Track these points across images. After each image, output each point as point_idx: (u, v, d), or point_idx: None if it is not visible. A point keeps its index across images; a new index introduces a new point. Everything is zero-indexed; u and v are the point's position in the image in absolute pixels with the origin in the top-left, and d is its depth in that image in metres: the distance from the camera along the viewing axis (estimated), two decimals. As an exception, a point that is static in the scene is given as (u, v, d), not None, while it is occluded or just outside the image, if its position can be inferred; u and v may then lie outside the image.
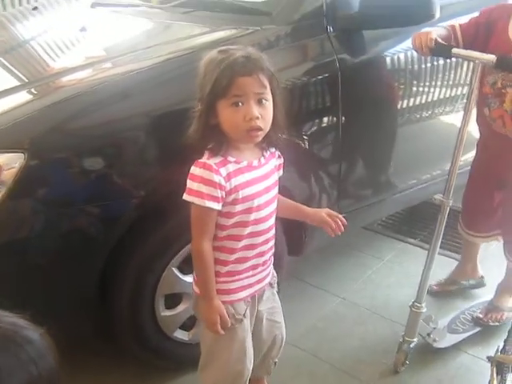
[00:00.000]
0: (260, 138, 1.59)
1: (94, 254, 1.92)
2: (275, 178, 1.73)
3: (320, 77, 2.27)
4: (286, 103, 2.12)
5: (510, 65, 2.02)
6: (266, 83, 1.54)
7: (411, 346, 2.32)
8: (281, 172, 1.79)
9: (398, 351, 2.34)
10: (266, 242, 1.74)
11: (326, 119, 2.35)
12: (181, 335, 2.21)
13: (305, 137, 2.27)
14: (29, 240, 1.84)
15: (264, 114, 1.55)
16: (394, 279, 2.91)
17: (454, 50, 2.10)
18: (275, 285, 1.93)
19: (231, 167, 1.58)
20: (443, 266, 2.89)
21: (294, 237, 2.40)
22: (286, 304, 2.60)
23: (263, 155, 1.67)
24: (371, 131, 2.54)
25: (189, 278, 2.09)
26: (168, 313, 2.12)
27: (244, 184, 1.61)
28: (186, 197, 1.57)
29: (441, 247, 2.32)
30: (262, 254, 1.75)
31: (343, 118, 2.34)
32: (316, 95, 2.29)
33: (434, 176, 2.90)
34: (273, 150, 1.71)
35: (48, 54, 2.59)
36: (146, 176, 1.96)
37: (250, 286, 1.77)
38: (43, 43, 2.71)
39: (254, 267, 1.75)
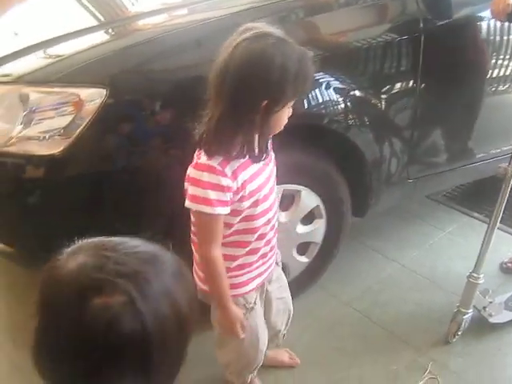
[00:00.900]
0: None
1: (162, 193, 1.95)
2: (272, 160, 1.65)
3: (402, 38, 2.21)
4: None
5: None
6: None
7: (465, 317, 2.30)
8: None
9: (452, 321, 2.32)
10: (273, 228, 1.69)
11: (403, 82, 2.29)
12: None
13: (381, 97, 2.24)
14: (101, 174, 1.89)
15: None
16: (455, 251, 2.87)
17: None
18: (280, 262, 1.92)
19: (235, 163, 1.47)
20: (508, 244, 2.84)
21: (359, 198, 2.39)
22: (344, 265, 2.65)
23: None
24: (449, 99, 2.47)
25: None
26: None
27: (249, 179, 1.52)
28: (191, 205, 1.46)
29: (506, 224, 2.26)
30: (269, 242, 1.71)
31: (421, 83, 2.28)
32: (396, 56, 2.23)
33: (507, 151, 2.81)
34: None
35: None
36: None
37: (260, 275, 1.75)
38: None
39: (264, 256, 1.72)
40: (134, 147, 1.89)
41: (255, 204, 1.56)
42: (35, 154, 1.82)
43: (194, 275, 1.71)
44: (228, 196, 1.46)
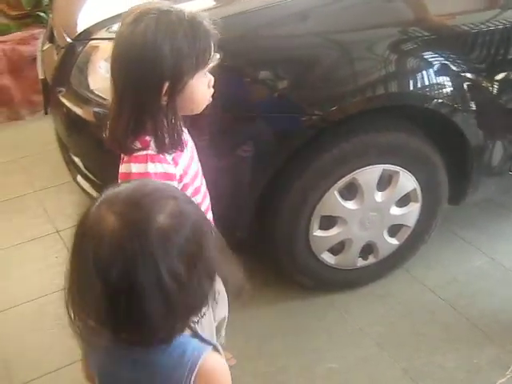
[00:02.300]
0: None
1: (265, 163, 1.98)
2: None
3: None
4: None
5: None
6: None
7: (556, 320, 2.23)
8: None
9: (541, 322, 2.25)
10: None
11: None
12: (327, 257, 2.25)
13: (492, 83, 2.15)
14: (205, 137, 1.87)
15: None
16: (549, 250, 2.76)
17: None
18: None
19: None
20: None
21: (457, 185, 2.33)
22: (432, 252, 2.61)
23: None
24: None
25: (347, 204, 2.13)
26: (321, 233, 2.17)
27: (189, 162, 1.44)
28: None
29: None
30: None
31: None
32: (509, 42, 2.14)
33: None
34: None
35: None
36: (324, 96, 1.96)
37: None
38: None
39: None
40: (233, 113, 1.91)
41: (197, 190, 1.50)
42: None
43: None
44: (175, 184, 1.37)
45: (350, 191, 2.13)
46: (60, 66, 2.22)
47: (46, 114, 2.52)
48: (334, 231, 2.18)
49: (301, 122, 1.95)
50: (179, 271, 0.87)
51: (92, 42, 2.11)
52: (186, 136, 1.47)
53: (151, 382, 1.01)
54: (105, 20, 2.16)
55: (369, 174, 2.09)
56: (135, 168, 1.33)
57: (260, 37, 1.94)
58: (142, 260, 0.85)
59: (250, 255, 2.49)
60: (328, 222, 2.18)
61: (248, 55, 1.91)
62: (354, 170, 2.05)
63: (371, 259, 2.36)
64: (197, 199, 1.47)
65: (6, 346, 2.23)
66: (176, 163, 1.38)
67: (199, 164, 1.55)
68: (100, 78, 2.05)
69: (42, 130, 3.65)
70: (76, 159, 2.39)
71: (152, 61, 1.27)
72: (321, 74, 1.96)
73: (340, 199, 2.10)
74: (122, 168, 1.36)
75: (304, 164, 2.00)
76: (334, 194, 2.07)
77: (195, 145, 1.55)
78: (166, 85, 1.29)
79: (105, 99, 1.95)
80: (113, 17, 2.13)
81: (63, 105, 2.13)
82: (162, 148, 1.33)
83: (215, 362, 1.03)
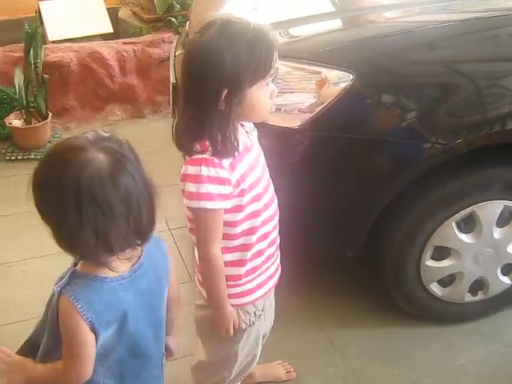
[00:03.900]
0: None
1: (384, 187, 1.97)
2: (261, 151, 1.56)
3: None
4: None
5: None
6: None
7: None
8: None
9: None
10: (275, 227, 1.60)
11: None
12: (436, 288, 2.20)
13: None
14: (332, 157, 1.95)
15: None
16: None
17: None
18: None
19: None
20: None
21: None
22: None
23: (246, 132, 1.49)
24: None
25: (463, 237, 2.09)
26: (432, 263, 2.13)
27: (248, 170, 1.45)
28: (191, 203, 1.39)
29: None
30: (274, 242, 1.61)
31: None
32: None
33: None
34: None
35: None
36: (451, 127, 1.93)
37: (269, 278, 1.65)
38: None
39: (270, 257, 1.62)
40: (356, 135, 1.91)
41: (257, 198, 1.49)
42: (273, 125, 1.90)
43: (196, 280, 1.67)
44: (228, 189, 1.40)
45: (468, 224, 2.08)
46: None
47: (174, 117, 2.62)
48: (446, 263, 2.14)
49: (425, 150, 1.92)
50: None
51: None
52: (251, 142, 1.50)
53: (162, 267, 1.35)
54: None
55: (489, 209, 2.05)
56: (191, 170, 1.39)
57: (390, 61, 1.94)
58: (137, 170, 1.15)
59: (357, 277, 2.52)
60: (440, 253, 2.14)
61: (377, 79, 1.92)
62: (475, 204, 2.01)
63: (480, 295, 2.29)
64: (258, 206, 1.50)
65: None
66: (233, 169, 1.41)
67: (267, 173, 1.57)
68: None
69: (162, 130, 3.80)
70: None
71: (213, 67, 1.32)
72: (449, 104, 1.92)
73: (457, 231, 2.06)
74: (183, 168, 1.43)
75: (426, 192, 1.98)
76: (451, 225, 2.04)
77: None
78: (225, 91, 1.34)
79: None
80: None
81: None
82: (216, 152, 1.38)
83: None
